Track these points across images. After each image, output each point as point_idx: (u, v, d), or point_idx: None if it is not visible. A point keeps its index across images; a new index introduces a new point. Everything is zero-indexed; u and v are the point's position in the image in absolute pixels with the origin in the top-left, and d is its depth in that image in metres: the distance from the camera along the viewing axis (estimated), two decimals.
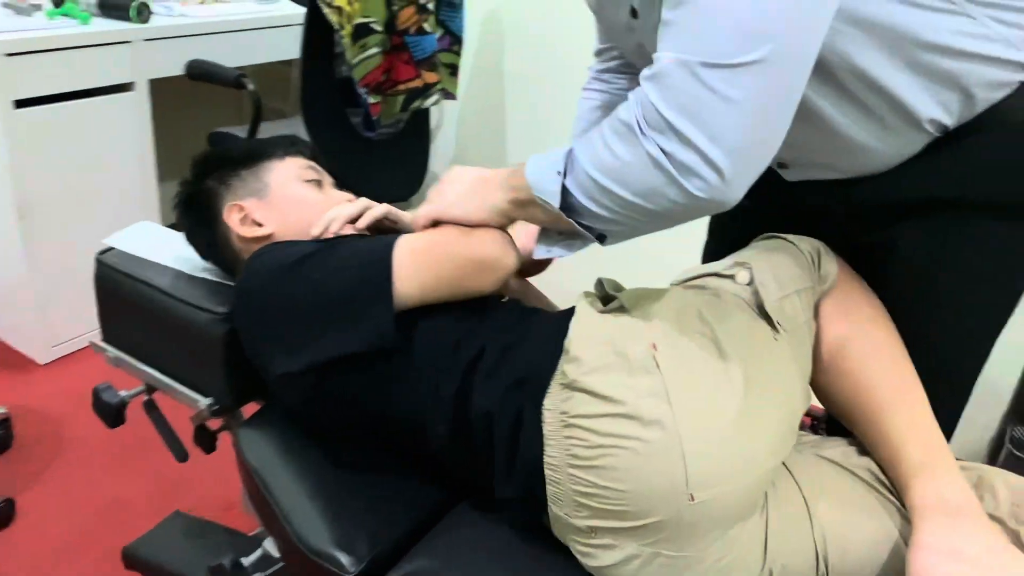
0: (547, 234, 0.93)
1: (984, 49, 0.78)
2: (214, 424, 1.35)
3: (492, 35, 2.57)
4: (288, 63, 2.66)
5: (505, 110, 2.65)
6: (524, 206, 0.88)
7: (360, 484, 1.00)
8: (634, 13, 0.86)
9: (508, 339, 0.91)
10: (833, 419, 0.97)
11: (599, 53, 1.19)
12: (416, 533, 0.94)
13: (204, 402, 1.14)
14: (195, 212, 1.15)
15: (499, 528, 0.93)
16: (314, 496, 0.97)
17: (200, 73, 2.28)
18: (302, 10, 2.16)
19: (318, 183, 1.15)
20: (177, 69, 2.23)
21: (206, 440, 1.36)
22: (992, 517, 0.83)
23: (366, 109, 2.18)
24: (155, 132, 2.26)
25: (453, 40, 2.30)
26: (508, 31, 2.52)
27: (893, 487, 0.88)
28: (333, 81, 2.21)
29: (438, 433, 0.91)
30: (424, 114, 2.42)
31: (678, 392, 0.78)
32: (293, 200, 1.11)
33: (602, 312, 0.88)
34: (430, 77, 2.24)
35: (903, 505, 0.86)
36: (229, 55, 2.31)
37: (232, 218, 1.10)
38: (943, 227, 0.88)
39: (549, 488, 0.83)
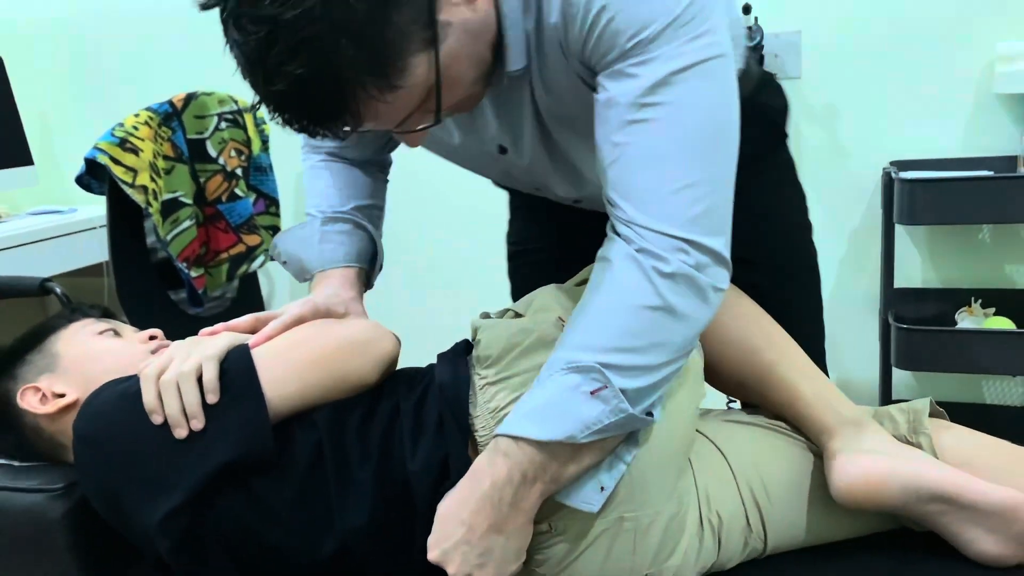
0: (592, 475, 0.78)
1: None
2: None
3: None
4: (98, 267, 2.50)
5: None
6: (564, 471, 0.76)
7: None
8: (503, 150, 0.95)
9: (415, 394, 0.88)
10: None
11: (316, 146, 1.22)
12: None
13: None
14: None
15: None
16: None
17: None
18: (103, 211, 2.06)
19: (114, 332, 1.04)
20: None
21: None
22: (896, 437, 0.93)
23: (190, 284, 2.06)
24: None
25: (269, 202, 2.26)
26: None
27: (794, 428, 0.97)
28: (149, 267, 2.09)
29: (353, 527, 0.81)
30: (253, 279, 2.34)
31: None
32: (90, 356, 0.99)
33: (501, 320, 0.90)
34: (251, 240, 2.18)
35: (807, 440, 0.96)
36: (25, 271, 2.12)
37: (29, 402, 0.95)
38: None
39: None
